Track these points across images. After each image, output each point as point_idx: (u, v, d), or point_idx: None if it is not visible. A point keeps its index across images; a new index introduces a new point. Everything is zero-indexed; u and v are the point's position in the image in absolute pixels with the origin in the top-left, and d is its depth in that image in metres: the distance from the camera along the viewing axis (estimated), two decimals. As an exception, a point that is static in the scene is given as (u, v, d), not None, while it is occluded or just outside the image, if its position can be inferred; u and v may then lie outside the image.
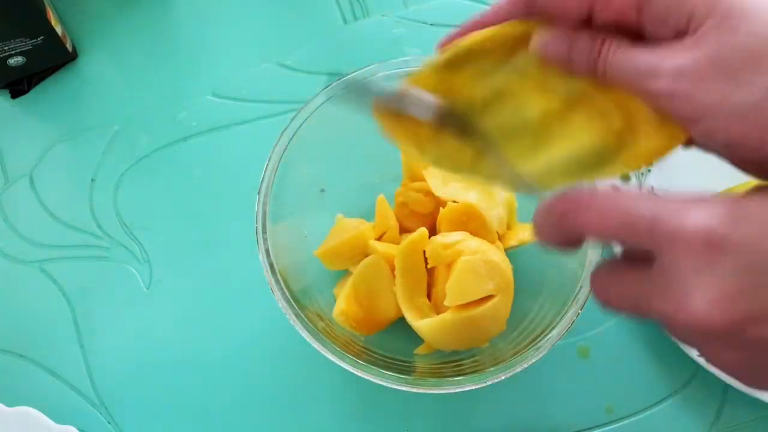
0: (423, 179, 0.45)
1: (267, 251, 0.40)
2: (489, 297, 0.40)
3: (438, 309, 0.42)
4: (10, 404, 0.44)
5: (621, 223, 0.22)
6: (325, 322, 0.42)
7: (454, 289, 0.39)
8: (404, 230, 0.45)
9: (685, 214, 0.21)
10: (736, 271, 0.20)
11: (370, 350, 0.42)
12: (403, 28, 0.53)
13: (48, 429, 0.44)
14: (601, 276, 0.25)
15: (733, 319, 0.20)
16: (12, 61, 0.49)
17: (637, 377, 0.47)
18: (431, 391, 0.39)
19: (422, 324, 0.41)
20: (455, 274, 0.39)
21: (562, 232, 0.24)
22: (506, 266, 0.41)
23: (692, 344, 0.22)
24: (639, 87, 0.25)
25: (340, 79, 0.43)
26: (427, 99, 0.29)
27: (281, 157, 0.42)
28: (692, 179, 0.50)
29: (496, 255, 0.41)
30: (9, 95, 0.52)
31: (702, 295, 0.20)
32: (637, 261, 0.23)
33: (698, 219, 0.21)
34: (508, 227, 0.45)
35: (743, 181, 0.48)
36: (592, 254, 0.40)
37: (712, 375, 0.45)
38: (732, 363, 0.22)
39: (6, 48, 0.48)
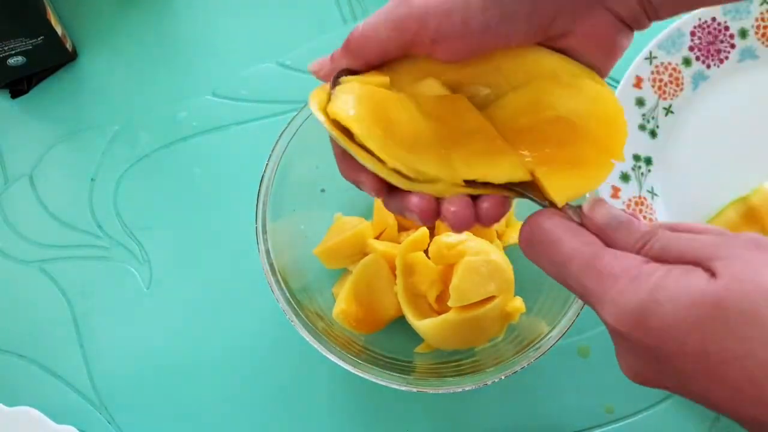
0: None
1: (267, 251, 0.40)
2: (491, 298, 0.40)
3: (439, 309, 0.42)
4: (10, 404, 0.44)
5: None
6: (325, 322, 0.42)
7: (458, 290, 0.39)
8: (402, 228, 0.45)
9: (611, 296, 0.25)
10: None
11: (370, 350, 0.42)
12: (403, 28, 0.53)
13: (48, 429, 0.44)
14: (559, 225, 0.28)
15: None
16: (12, 61, 0.49)
17: (637, 377, 0.47)
18: (431, 391, 0.39)
19: (424, 324, 0.41)
20: (459, 275, 0.39)
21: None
22: (507, 266, 0.41)
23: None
24: None
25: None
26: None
27: (281, 157, 0.42)
28: (692, 179, 0.50)
29: (497, 255, 0.41)
30: (9, 95, 0.52)
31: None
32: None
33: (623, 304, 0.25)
34: (507, 225, 0.45)
35: (742, 183, 0.48)
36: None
37: (712, 375, 0.45)
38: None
39: (6, 48, 0.48)
